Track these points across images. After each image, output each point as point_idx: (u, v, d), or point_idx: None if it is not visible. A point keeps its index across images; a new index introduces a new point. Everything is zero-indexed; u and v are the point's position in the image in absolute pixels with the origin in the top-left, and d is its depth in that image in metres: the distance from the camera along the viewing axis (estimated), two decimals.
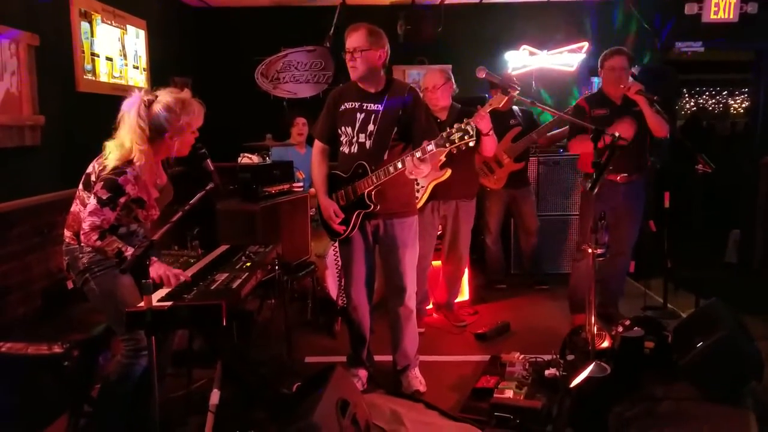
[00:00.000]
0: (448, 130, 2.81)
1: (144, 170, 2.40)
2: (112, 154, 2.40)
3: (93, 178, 2.43)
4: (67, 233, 2.50)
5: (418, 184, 3.85)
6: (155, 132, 2.41)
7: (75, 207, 2.49)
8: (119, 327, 2.44)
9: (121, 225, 2.47)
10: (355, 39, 2.93)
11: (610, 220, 3.09)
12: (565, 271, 4.81)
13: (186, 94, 2.50)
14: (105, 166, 2.39)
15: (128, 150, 2.38)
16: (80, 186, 2.49)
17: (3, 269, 3.18)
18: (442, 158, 3.70)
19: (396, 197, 3.09)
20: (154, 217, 2.56)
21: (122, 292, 2.41)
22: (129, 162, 2.37)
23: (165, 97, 2.43)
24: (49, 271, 3.47)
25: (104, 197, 2.31)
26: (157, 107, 2.41)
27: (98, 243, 2.32)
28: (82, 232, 2.33)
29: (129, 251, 2.30)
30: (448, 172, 3.83)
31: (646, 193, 4.02)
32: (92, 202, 2.33)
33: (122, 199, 2.35)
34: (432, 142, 2.83)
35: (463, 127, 2.78)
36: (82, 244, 2.41)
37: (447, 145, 2.81)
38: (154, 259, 2.43)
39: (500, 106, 4.00)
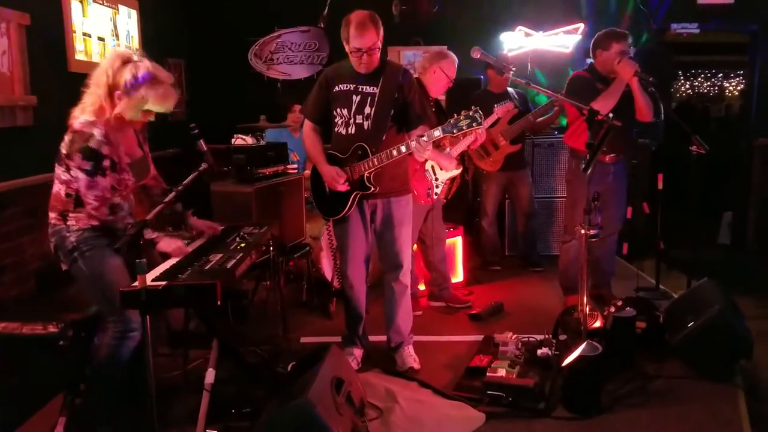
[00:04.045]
0: (456, 116, 2.82)
1: (108, 128, 2.38)
2: (81, 113, 2.39)
3: (64, 150, 2.38)
4: (51, 215, 2.47)
5: (437, 179, 3.87)
6: (113, 87, 2.36)
7: (55, 187, 2.46)
8: (107, 308, 2.44)
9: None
10: (368, 39, 2.88)
11: (601, 200, 3.11)
12: (557, 253, 4.84)
13: (167, 76, 2.44)
14: (74, 131, 2.35)
15: (94, 101, 2.38)
16: (56, 164, 2.46)
17: None
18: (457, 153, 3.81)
19: (393, 177, 3.11)
20: (128, 183, 2.49)
21: (110, 274, 2.39)
22: (93, 123, 2.34)
23: (145, 63, 2.39)
24: (42, 252, 3.47)
25: (88, 167, 2.31)
26: (129, 66, 2.36)
27: (110, 217, 2.36)
28: (91, 208, 2.34)
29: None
30: (460, 168, 3.92)
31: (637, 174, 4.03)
32: (81, 176, 2.32)
33: (105, 162, 2.35)
34: (439, 127, 2.85)
35: (471, 114, 2.79)
36: (69, 224, 2.41)
37: (454, 131, 2.83)
38: (161, 234, 2.47)
39: (497, 91, 4.01)
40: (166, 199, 2.30)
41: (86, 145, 2.31)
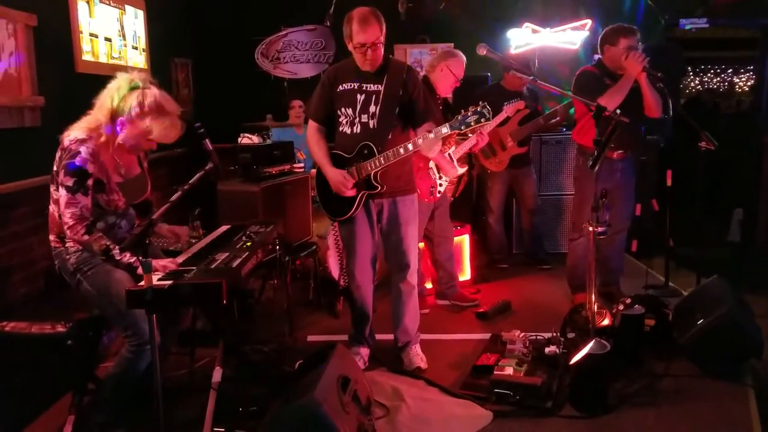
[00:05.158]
0: (463, 112, 2.81)
1: (101, 148, 2.32)
2: (73, 131, 2.32)
3: (54, 168, 2.33)
4: (51, 237, 2.44)
5: (441, 177, 3.85)
6: (117, 111, 2.32)
7: (50, 207, 2.42)
8: (119, 323, 2.42)
9: (97, 220, 2.40)
10: (372, 33, 2.87)
11: (609, 197, 3.09)
12: (565, 251, 4.82)
13: (174, 107, 2.39)
14: (63, 148, 2.30)
15: (92, 121, 2.33)
16: (50, 184, 2.40)
17: (5, 250, 3.20)
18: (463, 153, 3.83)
19: (398, 176, 3.09)
20: (118, 203, 2.44)
21: (117, 288, 2.32)
22: (83, 140, 2.28)
23: (152, 92, 2.35)
24: (50, 252, 3.49)
25: (71, 184, 2.24)
26: (136, 93, 2.32)
27: (85, 237, 2.27)
28: (66, 227, 2.27)
29: (116, 249, 2.28)
30: (466, 167, 3.87)
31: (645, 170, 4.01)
32: (63, 193, 2.25)
33: (89, 181, 2.28)
34: (447, 124, 2.84)
35: (479, 110, 2.77)
36: (67, 245, 2.38)
37: (462, 127, 2.81)
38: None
39: (510, 88, 3.99)
40: (173, 198, 2.29)
41: (71, 161, 2.24)
